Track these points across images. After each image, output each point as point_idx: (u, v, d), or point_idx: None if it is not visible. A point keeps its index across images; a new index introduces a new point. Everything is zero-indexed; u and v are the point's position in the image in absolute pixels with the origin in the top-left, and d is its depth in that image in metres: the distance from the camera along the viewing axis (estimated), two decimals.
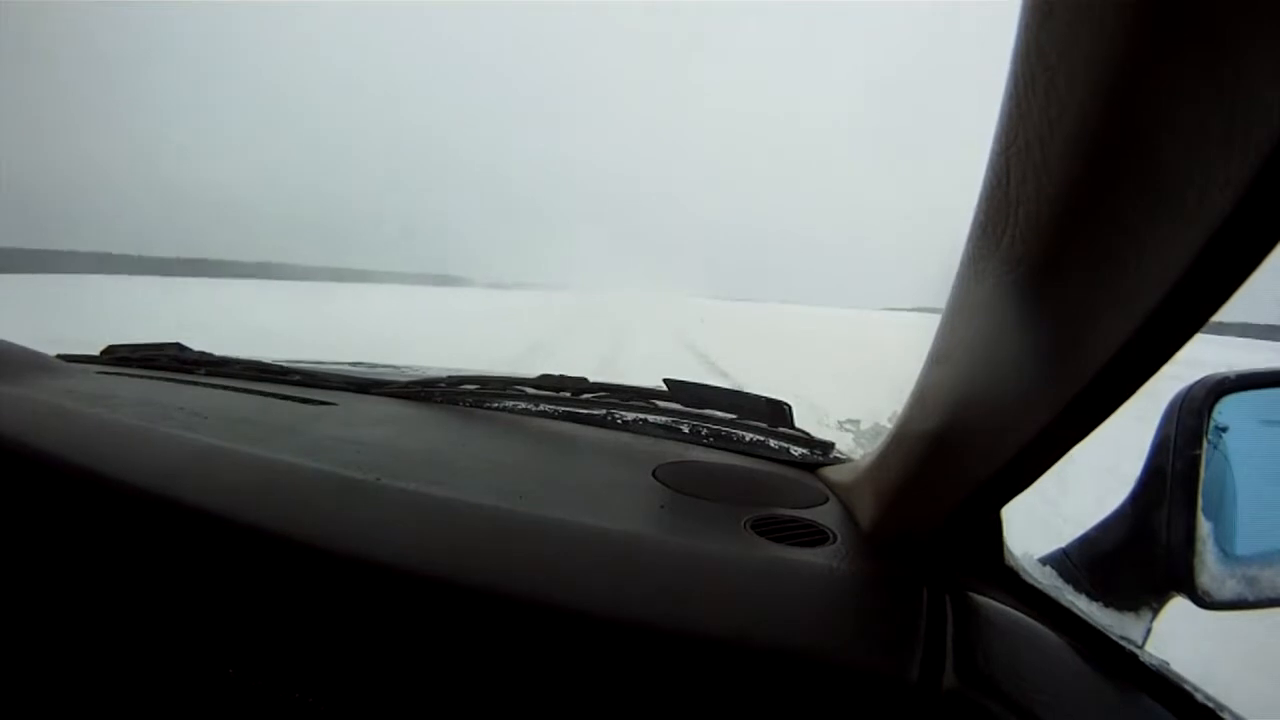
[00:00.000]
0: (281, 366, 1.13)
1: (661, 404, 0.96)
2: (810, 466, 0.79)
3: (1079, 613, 0.47)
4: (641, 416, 0.94)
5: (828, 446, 0.86)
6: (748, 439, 0.88)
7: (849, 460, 0.78)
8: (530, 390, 0.99)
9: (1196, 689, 0.40)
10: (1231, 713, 0.39)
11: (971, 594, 0.48)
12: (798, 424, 0.95)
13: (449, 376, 1.05)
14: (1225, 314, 0.26)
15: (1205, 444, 0.51)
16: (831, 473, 0.74)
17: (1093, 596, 0.51)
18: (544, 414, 0.95)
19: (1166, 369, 0.30)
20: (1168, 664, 0.42)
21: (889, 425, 0.55)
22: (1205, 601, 0.50)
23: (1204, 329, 0.27)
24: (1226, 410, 0.52)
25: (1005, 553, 0.51)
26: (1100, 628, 0.45)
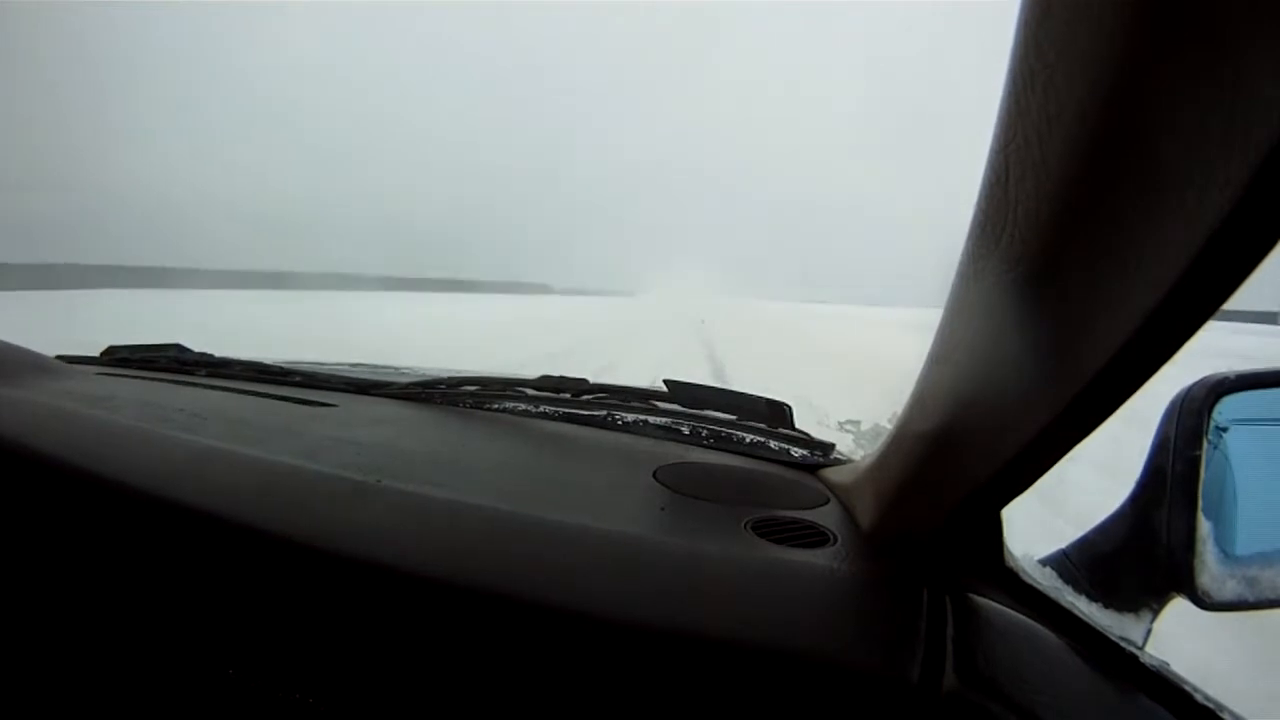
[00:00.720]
0: (281, 368, 1.13)
1: (661, 405, 0.96)
2: (810, 467, 0.79)
3: (1079, 614, 0.47)
4: (641, 418, 0.94)
5: (828, 447, 0.86)
6: (748, 440, 0.88)
7: (849, 461, 0.78)
8: (530, 391, 0.99)
9: (1196, 689, 0.40)
10: (1231, 713, 0.39)
11: (972, 595, 0.48)
12: (798, 425, 0.95)
13: (449, 378, 1.05)
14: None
15: (1205, 444, 0.51)
16: (832, 474, 0.74)
17: (1093, 597, 0.51)
18: (544, 415, 0.95)
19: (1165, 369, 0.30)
20: (1168, 665, 0.42)
21: (889, 426, 0.55)
22: (1205, 602, 0.50)
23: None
24: (1226, 410, 0.52)
25: (1005, 554, 0.51)
26: (1100, 628, 0.45)
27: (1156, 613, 0.52)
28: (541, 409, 0.96)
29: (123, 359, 1.19)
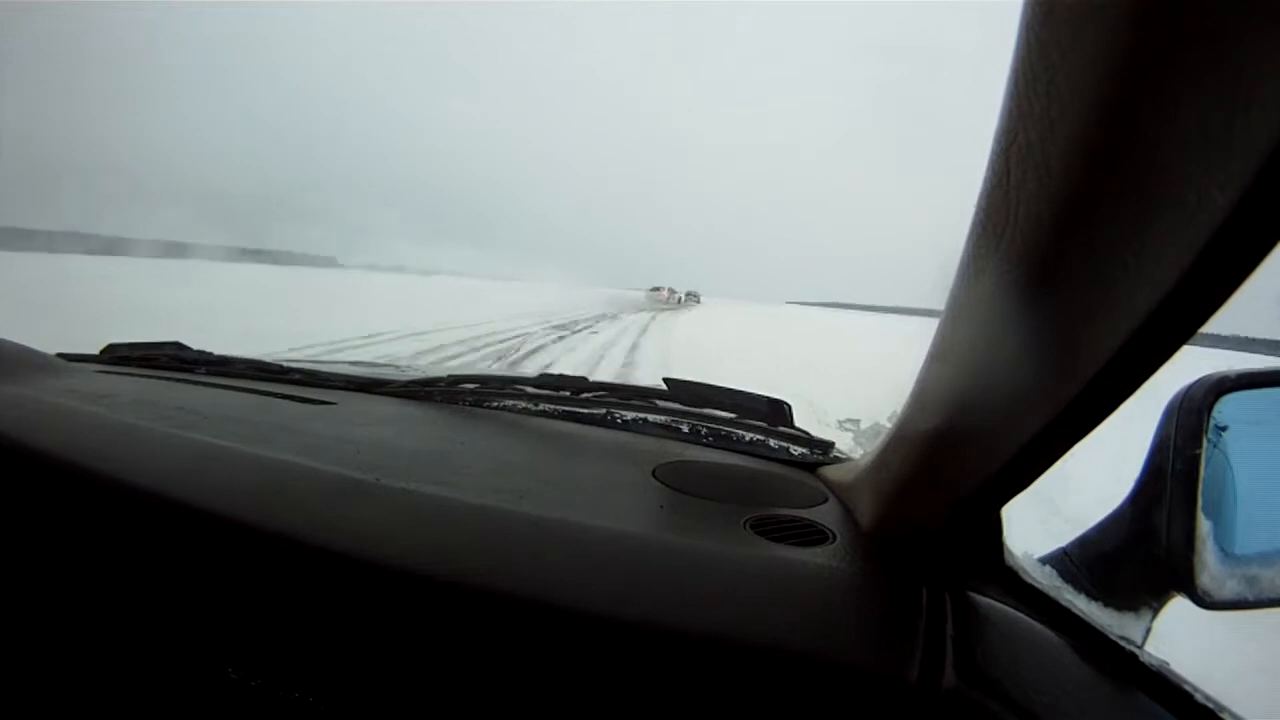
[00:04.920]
0: (281, 365, 1.13)
1: (661, 403, 0.96)
2: (810, 466, 0.79)
3: (1079, 613, 0.47)
4: (641, 416, 0.94)
5: (827, 446, 0.86)
6: (747, 438, 0.88)
7: (849, 459, 0.78)
8: (530, 389, 0.99)
9: (1196, 689, 0.40)
10: (1231, 713, 0.39)
11: (971, 594, 0.48)
12: (797, 423, 0.95)
13: (449, 376, 1.05)
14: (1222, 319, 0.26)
15: (1205, 443, 0.51)
16: (831, 472, 0.74)
17: (1093, 596, 0.51)
18: (544, 413, 0.95)
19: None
20: (1167, 664, 0.42)
21: (888, 424, 0.55)
22: (1205, 601, 0.50)
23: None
24: (1226, 409, 0.52)
25: (1005, 552, 0.51)
26: (1100, 627, 0.45)
27: (1156, 612, 0.52)
28: (541, 407, 0.96)
29: (122, 357, 1.19)
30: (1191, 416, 0.52)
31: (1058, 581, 0.52)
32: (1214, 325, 0.27)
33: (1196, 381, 0.53)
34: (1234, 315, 0.27)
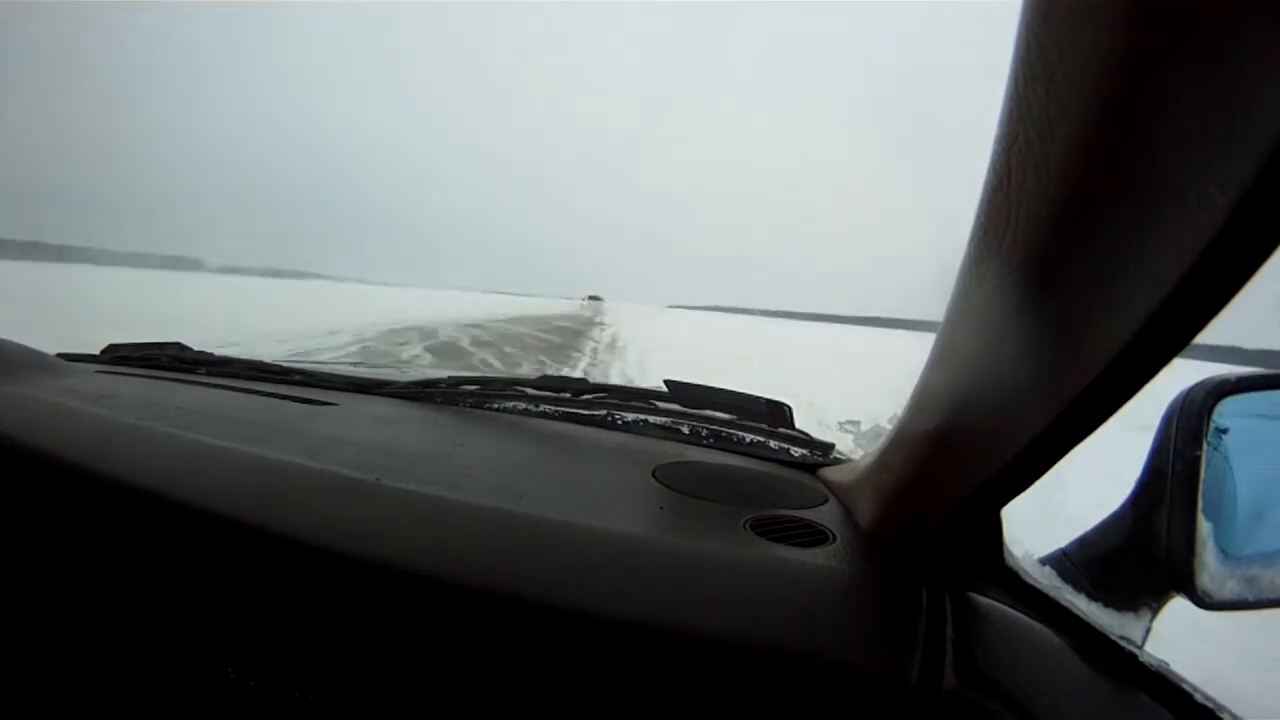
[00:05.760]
0: (282, 366, 1.13)
1: (661, 405, 0.96)
2: (810, 467, 0.79)
3: (1079, 613, 0.47)
4: (641, 417, 0.94)
5: (828, 447, 0.86)
6: (747, 440, 0.88)
7: (849, 461, 0.78)
8: (530, 391, 0.99)
9: (1196, 689, 0.40)
10: (1231, 713, 0.39)
11: (971, 594, 0.48)
12: (798, 425, 0.95)
13: (449, 377, 1.05)
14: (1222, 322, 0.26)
15: (1205, 445, 0.52)
16: (831, 473, 0.74)
17: (1093, 597, 0.51)
18: (544, 414, 0.95)
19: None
20: (1167, 664, 0.42)
21: (889, 426, 0.55)
22: (1205, 602, 0.50)
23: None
24: (1226, 412, 0.52)
25: (1005, 553, 0.51)
26: (1100, 628, 0.45)
27: (1156, 612, 0.52)
28: (541, 408, 0.96)
29: (123, 357, 1.19)
30: (1192, 419, 0.52)
31: (1058, 582, 0.52)
32: (1214, 327, 0.27)
33: (1197, 384, 0.53)
34: (1235, 317, 0.27)
